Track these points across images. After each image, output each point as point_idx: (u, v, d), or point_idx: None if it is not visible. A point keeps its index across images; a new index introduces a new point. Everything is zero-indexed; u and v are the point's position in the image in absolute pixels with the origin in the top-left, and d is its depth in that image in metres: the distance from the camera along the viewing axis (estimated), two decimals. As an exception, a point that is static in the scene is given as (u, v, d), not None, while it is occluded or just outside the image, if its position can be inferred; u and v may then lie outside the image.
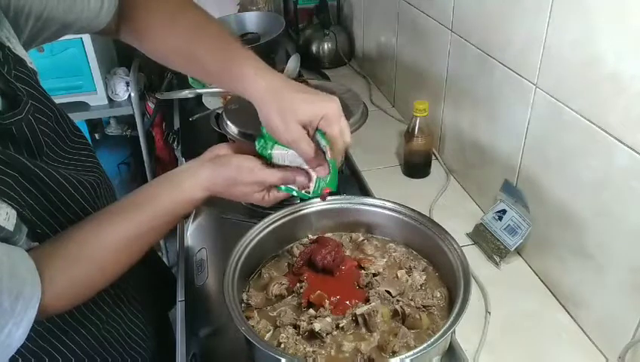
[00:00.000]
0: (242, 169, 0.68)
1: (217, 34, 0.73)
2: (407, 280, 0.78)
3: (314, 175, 0.72)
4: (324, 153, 0.69)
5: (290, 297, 0.77)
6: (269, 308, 0.76)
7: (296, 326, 0.71)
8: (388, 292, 0.75)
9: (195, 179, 0.67)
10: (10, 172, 0.57)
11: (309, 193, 0.73)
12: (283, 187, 0.71)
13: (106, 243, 0.62)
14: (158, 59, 0.78)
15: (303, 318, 0.71)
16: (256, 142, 0.71)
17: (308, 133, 0.67)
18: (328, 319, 0.71)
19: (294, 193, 0.72)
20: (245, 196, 0.70)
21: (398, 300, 0.74)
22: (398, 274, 0.79)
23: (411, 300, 0.74)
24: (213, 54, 0.71)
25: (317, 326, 0.69)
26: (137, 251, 0.66)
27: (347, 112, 1.04)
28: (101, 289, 0.67)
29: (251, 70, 0.69)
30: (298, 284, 0.77)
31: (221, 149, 0.71)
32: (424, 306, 0.74)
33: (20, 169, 0.58)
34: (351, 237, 0.88)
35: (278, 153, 0.71)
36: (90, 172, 0.73)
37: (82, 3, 0.69)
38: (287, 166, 0.71)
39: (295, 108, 0.66)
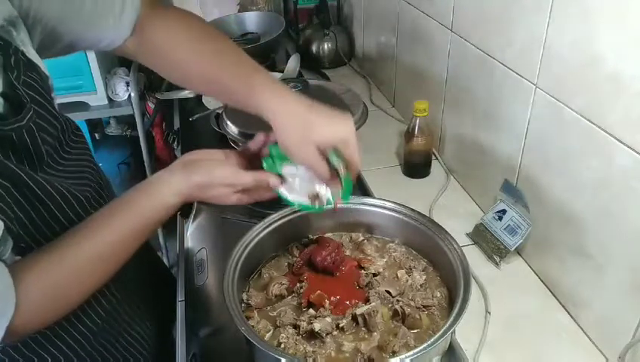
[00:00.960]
0: (213, 173, 0.69)
1: (239, 59, 0.74)
2: (407, 280, 0.78)
3: (326, 192, 0.74)
4: (336, 170, 0.70)
5: (290, 297, 0.77)
6: (269, 308, 0.76)
7: (296, 326, 0.71)
8: (388, 292, 0.75)
9: (167, 185, 0.68)
10: (3, 182, 0.56)
11: (322, 206, 0.74)
12: (296, 203, 0.73)
13: (83, 254, 0.62)
14: (176, 80, 0.80)
15: (302, 318, 0.72)
16: (264, 162, 0.73)
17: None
18: (328, 319, 0.71)
19: (310, 208, 0.73)
20: (221, 198, 0.71)
21: (398, 300, 0.74)
22: (398, 274, 0.79)
23: (411, 300, 0.74)
24: (238, 79, 0.72)
25: (317, 326, 0.69)
26: (114, 262, 0.65)
27: (347, 112, 1.04)
28: (77, 305, 0.65)
29: (273, 94, 0.69)
30: (298, 284, 0.77)
31: (192, 155, 0.72)
32: (424, 306, 0.74)
33: (13, 179, 0.57)
34: (351, 237, 0.88)
35: (288, 171, 0.72)
36: (85, 184, 0.71)
37: (97, 17, 0.69)
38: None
39: (314, 132, 0.67)
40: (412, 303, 0.74)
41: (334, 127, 0.68)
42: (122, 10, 0.71)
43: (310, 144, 0.67)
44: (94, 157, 0.79)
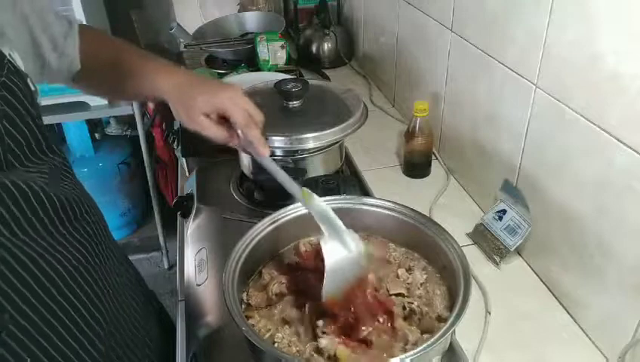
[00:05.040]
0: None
1: (131, 45, 0.84)
2: (408, 278, 0.78)
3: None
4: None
5: (289, 297, 0.77)
6: (269, 307, 0.76)
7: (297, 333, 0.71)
8: (400, 294, 0.74)
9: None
10: None
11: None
12: None
13: None
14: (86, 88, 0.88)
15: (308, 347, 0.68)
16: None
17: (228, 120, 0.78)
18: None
19: None
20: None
21: (410, 302, 0.73)
22: (399, 273, 0.79)
23: (420, 298, 0.74)
24: (131, 57, 0.81)
25: (323, 342, 0.66)
26: None
27: (347, 112, 1.05)
28: None
29: (161, 70, 0.80)
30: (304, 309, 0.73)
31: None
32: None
33: None
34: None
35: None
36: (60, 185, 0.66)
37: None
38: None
39: (196, 102, 0.76)
40: (424, 302, 0.73)
41: (215, 96, 0.77)
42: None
43: (197, 114, 0.76)
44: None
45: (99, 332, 0.65)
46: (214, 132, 0.78)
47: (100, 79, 0.84)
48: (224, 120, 0.79)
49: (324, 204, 0.72)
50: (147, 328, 0.81)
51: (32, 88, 0.64)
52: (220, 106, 0.77)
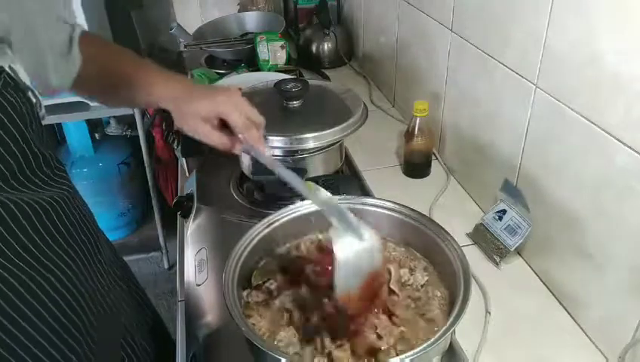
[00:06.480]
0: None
1: (127, 51, 0.83)
2: (409, 279, 0.78)
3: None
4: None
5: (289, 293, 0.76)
6: (267, 302, 0.75)
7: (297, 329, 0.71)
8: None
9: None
10: None
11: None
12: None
13: None
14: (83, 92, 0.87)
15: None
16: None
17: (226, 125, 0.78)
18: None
19: None
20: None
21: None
22: (401, 273, 0.79)
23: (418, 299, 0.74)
24: (127, 66, 0.80)
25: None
26: None
27: (347, 112, 1.05)
28: None
29: (158, 79, 0.79)
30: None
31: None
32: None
33: None
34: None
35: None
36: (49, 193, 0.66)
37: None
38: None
39: (195, 108, 0.77)
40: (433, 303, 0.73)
41: (212, 100, 0.77)
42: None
43: (198, 122, 0.76)
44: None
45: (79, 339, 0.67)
46: (216, 139, 0.77)
47: (96, 85, 0.82)
48: (225, 126, 0.78)
49: (329, 196, 0.71)
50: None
51: (34, 100, 0.63)
52: (219, 110, 0.77)
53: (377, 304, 0.70)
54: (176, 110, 0.78)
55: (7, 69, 0.59)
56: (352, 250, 0.65)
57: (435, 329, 0.69)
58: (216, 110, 0.77)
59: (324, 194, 0.71)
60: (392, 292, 0.75)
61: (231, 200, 1.12)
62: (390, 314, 0.71)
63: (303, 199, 0.81)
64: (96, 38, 0.82)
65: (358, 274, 0.66)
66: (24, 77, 0.62)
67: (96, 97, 0.90)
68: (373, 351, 0.66)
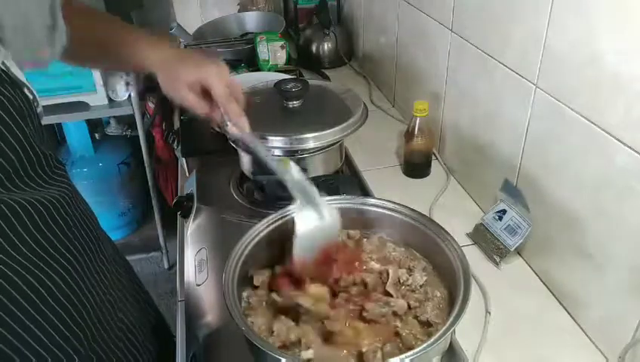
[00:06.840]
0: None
1: (116, 19, 0.86)
2: (408, 279, 0.78)
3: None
4: None
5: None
6: (269, 307, 0.76)
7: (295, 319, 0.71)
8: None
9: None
10: None
11: None
12: None
13: None
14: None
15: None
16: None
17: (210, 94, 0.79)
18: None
19: None
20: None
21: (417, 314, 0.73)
22: (399, 274, 0.79)
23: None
24: (117, 34, 0.83)
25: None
26: None
27: (347, 112, 1.04)
28: None
29: (149, 42, 0.82)
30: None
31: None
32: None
33: None
34: (348, 234, 0.87)
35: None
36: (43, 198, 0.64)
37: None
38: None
39: (181, 73, 0.79)
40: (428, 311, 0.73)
41: (199, 67, 0.79)
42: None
43: (182, 87, 0.79)
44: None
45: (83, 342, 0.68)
46: (196, 103, 0.80)
47: (87, 54, 0.85)
48: (207, 95, 0.80)
49: (301, 175, 0.75)
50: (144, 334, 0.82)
51: (30, 96, 0.63)
52: (203, 77, 0.79)
53: (340, 266, 0.77)
54: (164, 74, 0.81)
55: (0, 65, 0.58)
56: (312, 226, 0.74)
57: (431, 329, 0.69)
58: (200, 76, 0.79)
59: (296, 172, 0.76)
60: (387, 294, 0.75)
61: (231, 200, 1.12)
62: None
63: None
64: (84, 7, 0.83)
65: (314, 249, 0.74)
66: (18, 73, 0.62)
67: (87, 64, 0.93)
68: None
